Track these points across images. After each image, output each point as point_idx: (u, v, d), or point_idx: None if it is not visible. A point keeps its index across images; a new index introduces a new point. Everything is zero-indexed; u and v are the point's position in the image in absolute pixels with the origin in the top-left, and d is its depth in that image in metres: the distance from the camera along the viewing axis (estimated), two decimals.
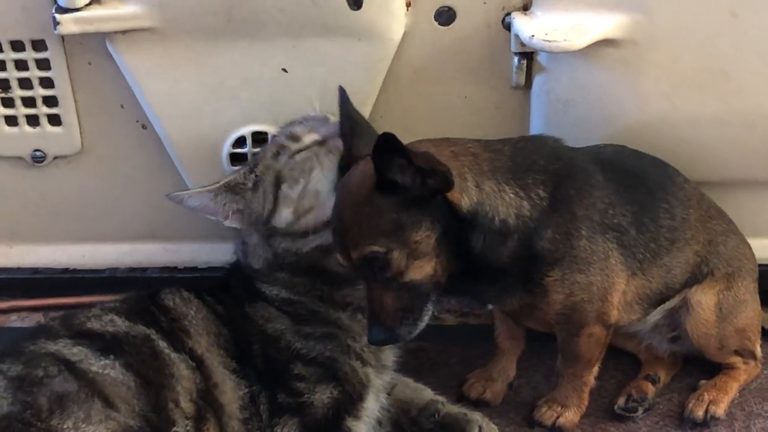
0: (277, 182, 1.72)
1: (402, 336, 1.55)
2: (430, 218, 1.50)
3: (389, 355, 1.78)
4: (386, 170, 1.45)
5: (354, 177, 1.56)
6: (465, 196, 1.52)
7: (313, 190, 1.70)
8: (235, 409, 1.61)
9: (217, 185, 1.76)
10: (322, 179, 1.70)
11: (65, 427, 1.44)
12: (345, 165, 1.63)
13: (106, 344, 1.57)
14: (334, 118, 1.75)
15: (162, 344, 1.61)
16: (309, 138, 1.74)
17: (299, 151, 1.72)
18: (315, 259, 1.72)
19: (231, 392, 1.62)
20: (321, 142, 1.73)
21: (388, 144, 1.41)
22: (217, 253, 2.02)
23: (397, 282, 1.51)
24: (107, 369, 1.53)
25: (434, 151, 1.52)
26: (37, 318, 2.14)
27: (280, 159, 1.73)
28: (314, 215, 1.70)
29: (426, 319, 1.55)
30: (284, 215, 1.71)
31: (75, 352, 1.55)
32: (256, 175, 1.75)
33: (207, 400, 1.59)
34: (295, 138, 1.74)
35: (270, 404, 1.64)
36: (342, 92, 1.69)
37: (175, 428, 1.53)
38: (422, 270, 1.52)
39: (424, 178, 1.46)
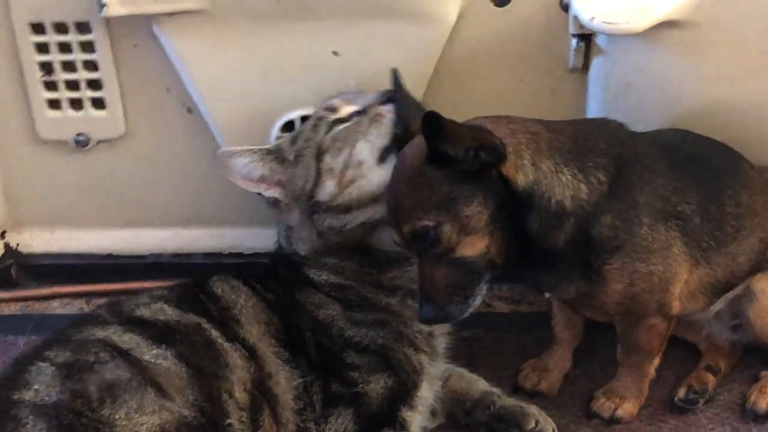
0: (319, 154, 1.69)
1: (452, 314, 1.52)
2: (483, 193, 1.47)
3: (441, 341, 1.74)
4: (437, 142, 1.42)
5: (408, 151, 1.54)
6: (521, 173, 1.49)
7: (357, 160, 1.67)
8: (289, 400, 1.57)
9: (268, 146, 1.74)
10: (366, 148, 1.68)
11: (117, 417, 1.37)
12: (402, 143, 1.60)
13: (158, 333, 1.52)
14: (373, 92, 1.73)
15: (214, 333, 1.56)
16: (347, 109, 1.71)
17: (338, 120, 1.70)
18: (360, 237, 1.69)
19: (285, 382, 1.58)
20: (361, 112, 1.70)
21: (433, 119, 1.40)
22: (262, 239, 1.98)
23: (448, 258, 1.48)
24: (159, 359, 1.47)
25: (491, 127, 1.49)
26: (80, 304, 2.10)
27: (318, 130, 1.71)
28: (358, 187, 1.67)
29: (479, 298, 1.52)
30: (328, 187, 1.68)
31: (126, 339, 1.50)
32: (296, 149, 1.72)
33: (261, 390, 1.54)
34: (332, 109, 1.72)
35: (323, 394, 1.60)
36: (395, 73, 1.67)
37: (228, 420, 1.47)
38: (474, 246, 1.49)
39: (477, 151, 1.44)
